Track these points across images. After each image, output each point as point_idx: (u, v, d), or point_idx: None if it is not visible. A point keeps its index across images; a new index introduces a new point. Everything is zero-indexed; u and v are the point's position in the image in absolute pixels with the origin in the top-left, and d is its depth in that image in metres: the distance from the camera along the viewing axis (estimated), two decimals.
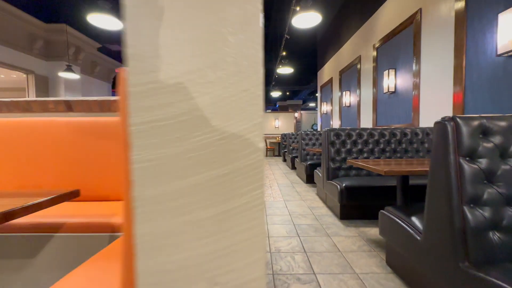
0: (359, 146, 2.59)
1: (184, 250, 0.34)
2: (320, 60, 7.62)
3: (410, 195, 1.60)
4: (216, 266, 0.34)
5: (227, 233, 0.34)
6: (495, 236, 0.86)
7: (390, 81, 3.43)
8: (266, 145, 10.40)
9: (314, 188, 3.72)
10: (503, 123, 0.95)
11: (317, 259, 1.58)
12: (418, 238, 1.12)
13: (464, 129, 0.93)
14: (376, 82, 3.97)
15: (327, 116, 6.82)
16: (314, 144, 4.65)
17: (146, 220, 0.34)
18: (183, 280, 0.34)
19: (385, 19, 3.70)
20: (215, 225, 0.34)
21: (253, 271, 0.35)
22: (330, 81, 6.48)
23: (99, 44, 7.03)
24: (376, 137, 2.58)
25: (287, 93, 13.80)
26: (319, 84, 7.74)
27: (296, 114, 12.44)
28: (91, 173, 1.32)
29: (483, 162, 0.92)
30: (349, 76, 5.19)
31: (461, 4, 2.24)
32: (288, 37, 5.60)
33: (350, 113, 5.15)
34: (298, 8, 3.77)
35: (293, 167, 5.88)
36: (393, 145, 2.57)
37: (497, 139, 0.94)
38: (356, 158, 2.56)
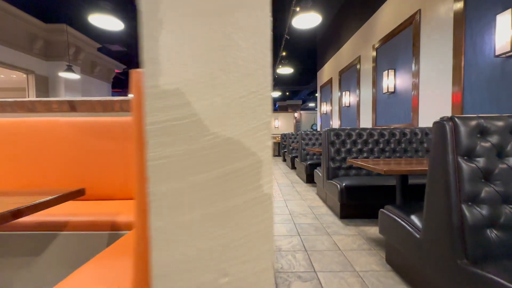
0: (359, 146, 2.61)
1: (196, 243, 0.36)
2: (320, 60, 7.64)
3: (409, 194, 1.62)
4: (227, 257, 0.36)
5: (237, 226, 0.36)
6: (492, 233, 0.88)
7: (390, 81, 3.45)
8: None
9: (314, 188, 3.74)
10: (500, 123, 0.98)
11: (317, 258, 1.60)
12: (417, 236, 1.14)
13: (462, 129, 0.95)
14: (376, 82, 3.99)
15: (326, 116, 6.84)
16: (314, 144, 4.67)
17: (161, 214, 0.36)
18: (196, 270, 0.36)
19: (385, 20, 3.72)
20: (226, 219, 0.36)
21: (262, 262, 0.37)
22: (330, 81, 6.50)
23: (99, 44, 7.04)
24: (375, 137, 2.60)
25: (287, 93, 13.80)
26: (319, 84, 7.76)
27: (296, 114, 12.47)
28: (95, 173, 1.34)
29: (481, 161, 0.94)
30: (349, 76, 5.21)
31: (459, 5, 2.26)
32: (288, 37, 5.62)
33: (349, 113, 5.17)
34: (298, 9, 3.79)
35: (293, 167, 5.90)
36: (392, 145, 2.59)
37: (494, 139, 0.96)
38: (356, 157, 2.58)
